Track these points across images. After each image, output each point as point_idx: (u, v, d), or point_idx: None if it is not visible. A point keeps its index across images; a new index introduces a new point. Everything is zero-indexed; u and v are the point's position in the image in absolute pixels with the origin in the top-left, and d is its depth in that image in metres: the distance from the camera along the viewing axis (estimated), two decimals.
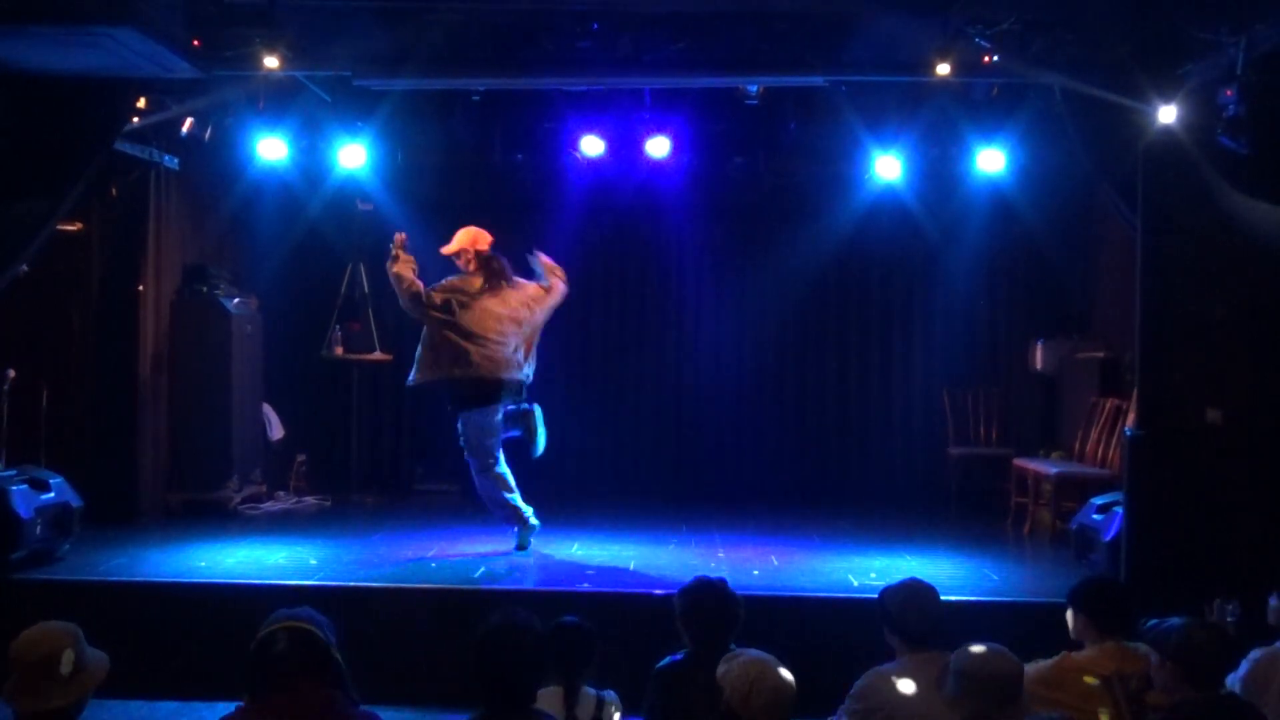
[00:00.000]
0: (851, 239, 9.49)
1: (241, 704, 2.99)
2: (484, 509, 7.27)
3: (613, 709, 3.84)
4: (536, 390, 7.35)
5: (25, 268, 6.92)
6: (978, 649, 3.26)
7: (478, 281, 6.97)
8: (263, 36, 6.16)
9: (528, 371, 7.15)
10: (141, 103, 7.19)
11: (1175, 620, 3.62)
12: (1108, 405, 8.05)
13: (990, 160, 8.52)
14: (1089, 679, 3.85)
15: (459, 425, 7.01)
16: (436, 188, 9.32)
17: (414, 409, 9.79)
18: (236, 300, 8.80)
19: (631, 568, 6.82)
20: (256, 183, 8.99)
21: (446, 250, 7.08)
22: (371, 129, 8.34)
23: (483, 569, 6.73)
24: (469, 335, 6.83)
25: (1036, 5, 6.09)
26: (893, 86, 7.60)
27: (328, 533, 7.77)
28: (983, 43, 6.17)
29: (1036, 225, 9.18)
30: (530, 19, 6.55)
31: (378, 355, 9.59)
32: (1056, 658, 3.94)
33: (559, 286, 7.23)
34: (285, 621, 3.03)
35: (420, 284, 6.88)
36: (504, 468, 7.03)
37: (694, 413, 9.89)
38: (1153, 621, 3.76)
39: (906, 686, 3.69)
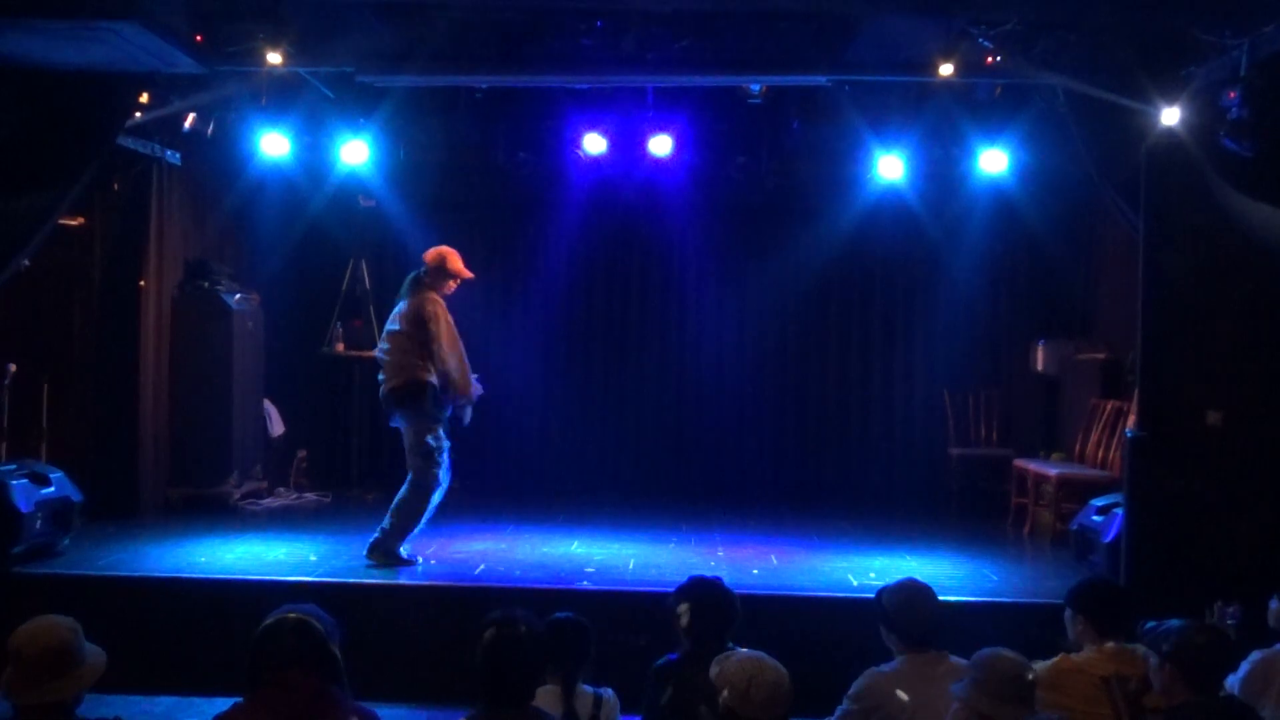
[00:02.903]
0: (853, 239, 9.48)
1: (239, 700, 2.99)
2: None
3: (611, 707, 3.84)
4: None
5: (26, 262, 6.92)
6: (993, 650, 3.26)
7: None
8: (266, 32, 6.17)
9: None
10: (144, 98, 7.19)
11: (1174, 622, 3.63)
12: (1108, 406, 8.05)
13: (993, 161, 8.50)
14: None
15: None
16: (439, 185, 9.31)
17: None
18: (238, 296, 8.79)
19: (631, 566, 6.83)
20: (258, 179, 8.97)
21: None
22: (374, 125, 8.33)
23: (482, 566, 6.74)
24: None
25: (1040, 6, 6.08)
26: (896, 86, 7.61)
27: (328, 529, 7.77)
28: (986, 43, 6.16)
29: (1038, 226, 9.19)
30: (534, 16, 6.55)
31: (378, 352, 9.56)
32: (1055, 659, 3.94)
33: None
34: (285, 615, 3.04)
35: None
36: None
37: (695, 411, 9.89)
38: (1151, 623, 3.77)
39: (903, 694, 3.69)
